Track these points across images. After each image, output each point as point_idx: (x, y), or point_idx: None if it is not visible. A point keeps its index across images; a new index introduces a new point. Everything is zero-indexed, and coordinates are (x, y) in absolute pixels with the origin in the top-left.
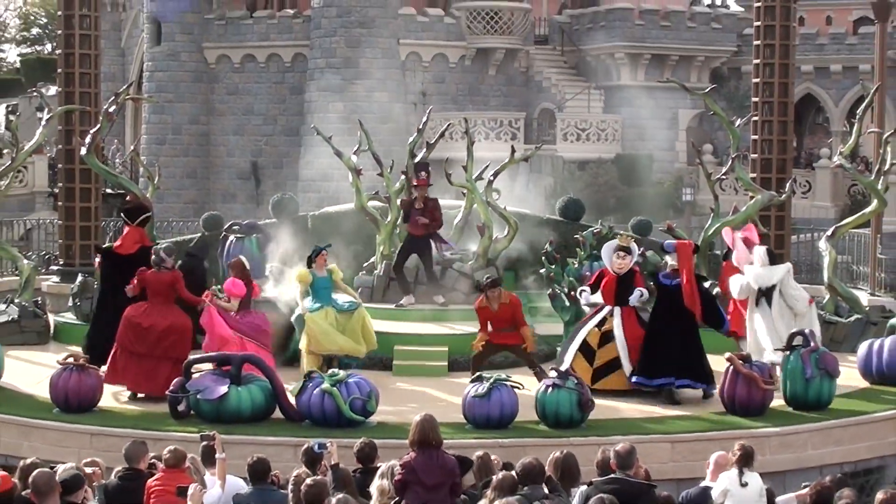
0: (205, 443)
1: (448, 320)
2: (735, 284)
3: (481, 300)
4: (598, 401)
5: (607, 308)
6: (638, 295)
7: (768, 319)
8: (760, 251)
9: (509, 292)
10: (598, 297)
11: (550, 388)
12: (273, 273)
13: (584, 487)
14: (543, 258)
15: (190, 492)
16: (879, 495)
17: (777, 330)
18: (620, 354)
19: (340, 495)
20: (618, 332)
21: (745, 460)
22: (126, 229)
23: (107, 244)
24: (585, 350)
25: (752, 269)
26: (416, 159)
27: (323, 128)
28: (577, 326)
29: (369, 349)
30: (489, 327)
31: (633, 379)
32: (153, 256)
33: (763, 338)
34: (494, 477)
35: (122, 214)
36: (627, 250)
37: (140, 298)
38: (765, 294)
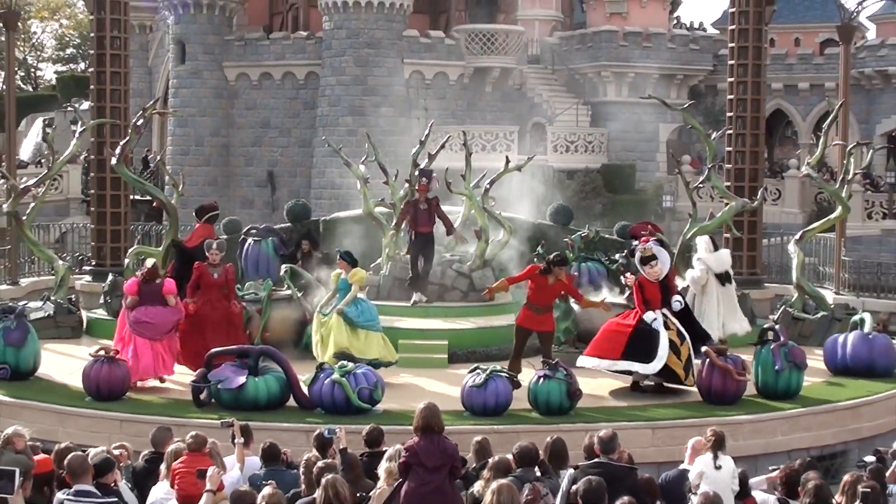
0: (227, 427)
1: (448, 317)
2: (689, 276)
3: (542, 269)
4: (584, 391)
5: (658, 312)
6: (676, 302)
7: (731, 296)
8: (705, 240)
9: (569, 275)
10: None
11: (542, 379)
12: (287, 274)
13: (571, 470)
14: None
15: (209, 474)
16: (846, 477)
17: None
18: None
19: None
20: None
21: (718, 445)
22: (196, 226)
23: (178, 238)
24: (674, 348)
25: (709, 258)
26: (418, 170)
27: (333, 140)
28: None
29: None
30: (529, 299)
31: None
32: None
33: (731, 314)
34: (490, 459)
35: (194, 213)
36: (652, 258)
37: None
38: (724, 276)
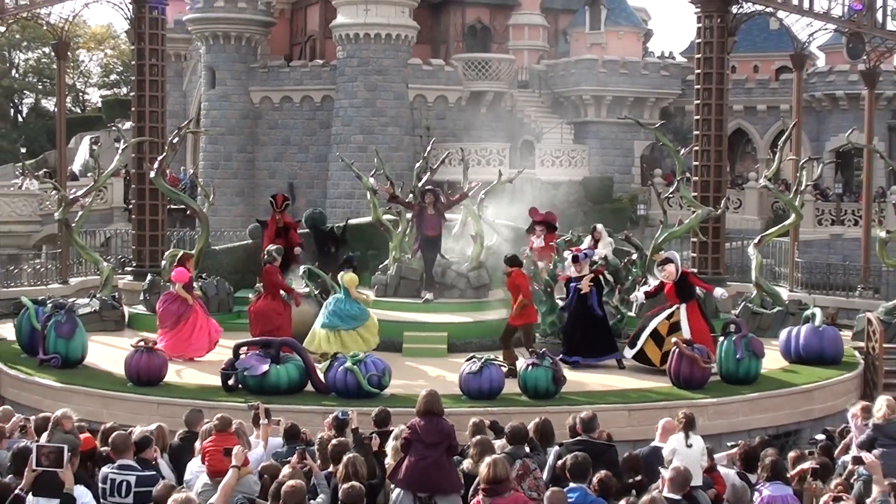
0: (253, 410)
1: (447, 311)
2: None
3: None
4: (568, 377)
5: (674, 306)
6: (720, 292)
7: None
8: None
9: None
10: (642, 296)
11: (531, 367)
12: (305, 274)
13: (557, 447)
14: (525, 261)
15: (234, 452)
16: (791, 454)
17: None
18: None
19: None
20: (684, 323)
21: (689, 425)
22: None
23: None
24: (656, 337)
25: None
26: (422, 182)
27: (346, 155)
28: (647, 317)
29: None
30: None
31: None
32: (265, 255)
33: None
34: (474, 438)
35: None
36: (664, 262)
37: None
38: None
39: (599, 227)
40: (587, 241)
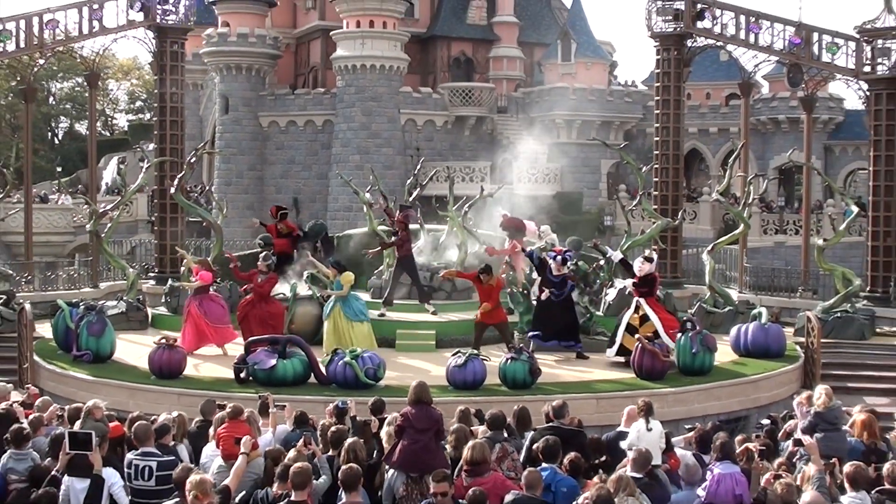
0: (261, 400)
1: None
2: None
3: (479, 277)
4: (543, 370)
5: (635, 300)
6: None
7: None
8: (531, 224)
9: (499, 278)
10: (629, 284)
11: (509, 360)
12: (308, 278)
13: (532, 432)
14: (504, 266)
15: (242, 440)
16: (740, 437)
17: None
18: (658, 329)
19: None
20: (651, 314)
21: (648, 411)
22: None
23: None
24: (630, 329)
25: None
26: (413, 197)
27: (345, 173)
28: (620, 315)
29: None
30: (480, 301)
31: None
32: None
33: None
34: (451, 427)
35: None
36: (649, 259)
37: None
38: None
39: (545, 228)
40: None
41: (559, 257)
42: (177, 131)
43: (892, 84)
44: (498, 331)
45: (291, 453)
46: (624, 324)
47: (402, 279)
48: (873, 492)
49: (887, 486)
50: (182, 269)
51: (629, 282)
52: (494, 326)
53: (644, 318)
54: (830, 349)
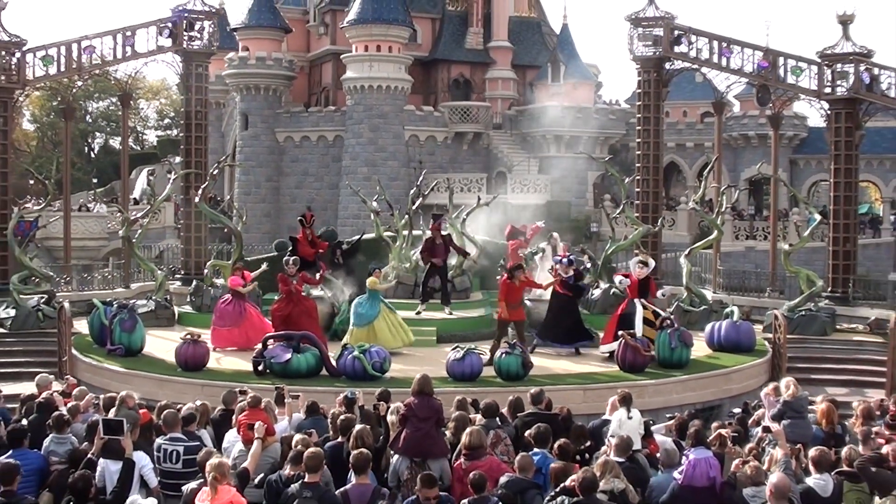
0: (277, 390)
1: (436, 310)
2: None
3: (507, 277)
4: (536, 362)
5: (633, 300)
6: (660, 293)
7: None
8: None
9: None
10: (627, 281)
11: (504, 354)
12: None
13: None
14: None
15: (255, 426)
16: (714, 424)
17: None
18: (638, 328)
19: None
20: (639, 315)
21: (627, 401)
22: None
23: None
24: (648, 322)
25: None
26: (416, 205)
27: (354, 184)
28: (618, 315)
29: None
30: (506, 299)
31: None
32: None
33: None
34: (452, 415)
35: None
36: (646, 263)
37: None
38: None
39: (555, 234)
40: (546, 245)
41: (564, 260)
42: (201, 146)
43: (850, 104)
44: (515, 328)
45: (297, 437)
46: (639, 320)
47: (433, 282)
48: (833, 473)
49: (845, 467)
50: (206, 271)
51: (627, 282)
52: (514, 324)
53: (656, 314)
54: (796, 344)
